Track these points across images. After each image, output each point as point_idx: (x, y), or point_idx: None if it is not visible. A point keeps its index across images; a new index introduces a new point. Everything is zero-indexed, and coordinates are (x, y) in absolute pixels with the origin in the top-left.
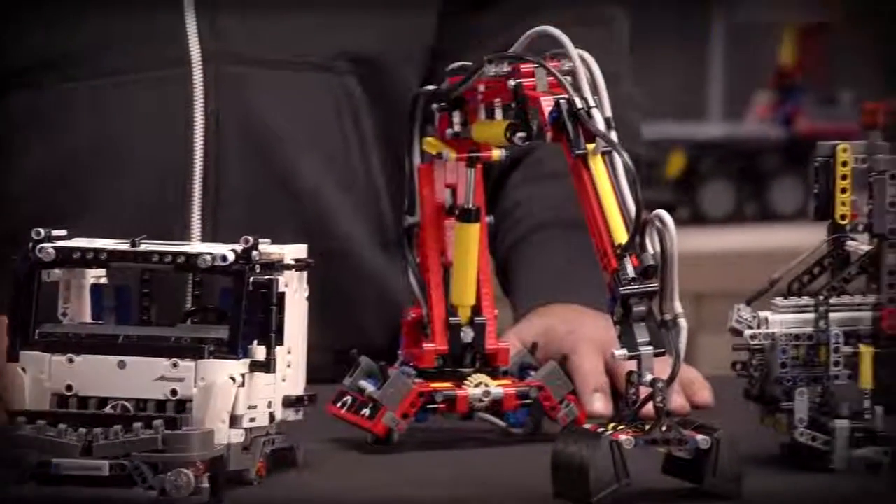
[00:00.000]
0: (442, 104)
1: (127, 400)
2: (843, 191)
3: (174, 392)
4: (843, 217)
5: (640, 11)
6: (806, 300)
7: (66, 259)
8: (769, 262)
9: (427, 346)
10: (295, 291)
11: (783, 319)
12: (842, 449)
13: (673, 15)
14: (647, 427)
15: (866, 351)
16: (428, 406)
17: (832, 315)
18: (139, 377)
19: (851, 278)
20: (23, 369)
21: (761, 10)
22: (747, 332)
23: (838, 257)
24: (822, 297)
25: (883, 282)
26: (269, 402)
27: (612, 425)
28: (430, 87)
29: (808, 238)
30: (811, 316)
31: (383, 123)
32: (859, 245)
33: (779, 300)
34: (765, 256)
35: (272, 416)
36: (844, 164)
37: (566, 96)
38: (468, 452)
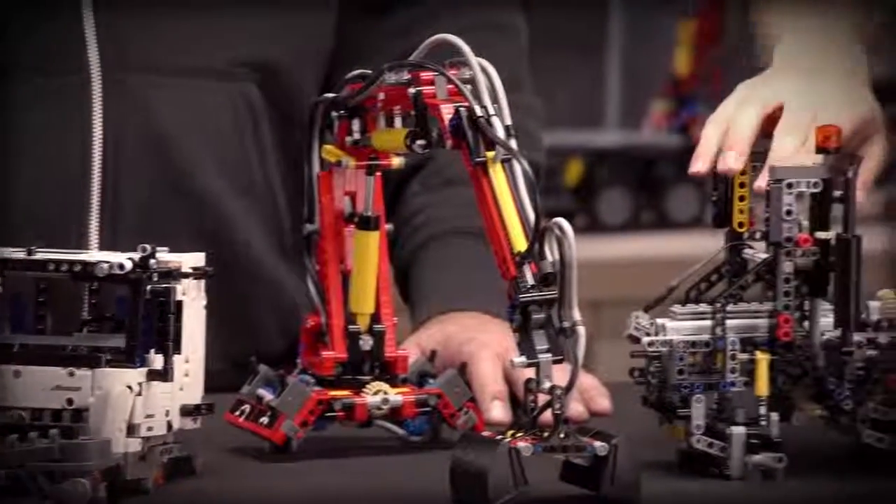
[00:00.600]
0: (341, 112)
1: (23, 409)
2: (741, 199)
3: (70, 401)
4: (740, 225)
5: (539, 19)
6: (703, 307)
7: None
8: (666, 269)
9: (326, 353)
10: (193, 300)
11: (680, 326)
12: (737, 455)
13: (571, 23)
14: (546, 434)
15: (762, 358)
16: (327, 414)
17: (729, 322)
18: (35, 386)
19: (748, 286)
20: None
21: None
22: (645, 340)
23: (735, 265)
24: (719, 305)
25: (779, 289)
26: (167, 411)
27: (510, 433)
28: (330, 95)
29: (706, 246)
30: (708, 323)
31: (283, 131)
32: (756, 253)
33: (676, 307)
34: (662, 264)
35: (170, 425)
36: (742, 172)
37: (466, 104)
38: (367, 460)
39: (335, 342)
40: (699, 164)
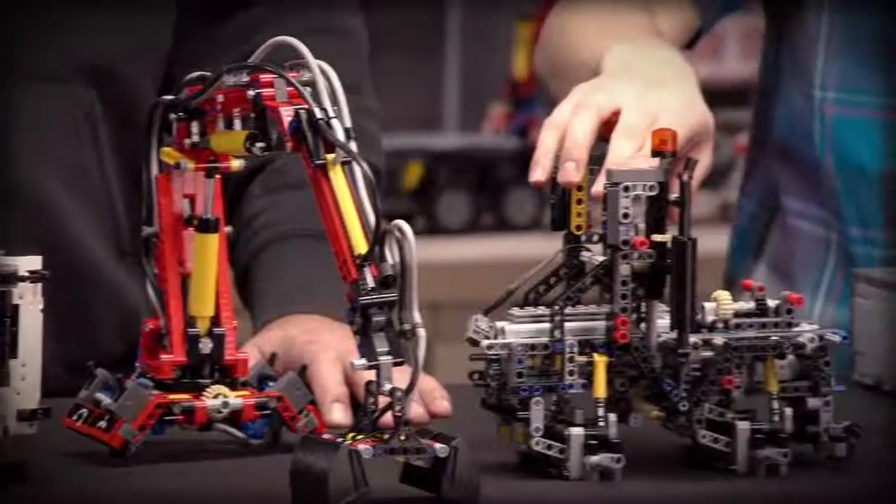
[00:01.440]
0: (180, 114)
1: None
2: (579, 202)
3: None
4: (578, 228)
5: (377, 22)
6: (542, 310)
7: None
8: (506, 272)
9: (165, 357)
10: (29, 303)
11: (519, 329)
12: (576, 456)
13: (409, 26)
14: (386, 436)
15: (600, 360)
16: (166, 418)
17: (567, 325)
18: None
19: (586, 288)
20: None
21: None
22: (484, 342)
23: (573, 268)
24: (557, 307)
25: (616, 292)
26: (3, 416)
27: (351, 435)
28: (168, 97)
29: (544, 248)
30: (547, 326)
31: (121, 133)
32: (593, 255)
33: (515, 310)
34: (501, 266)
35: (6, 430)
36: None
37: (306, 106)
38: (207, 464)
39: (174, 345)
40: (538, 173)
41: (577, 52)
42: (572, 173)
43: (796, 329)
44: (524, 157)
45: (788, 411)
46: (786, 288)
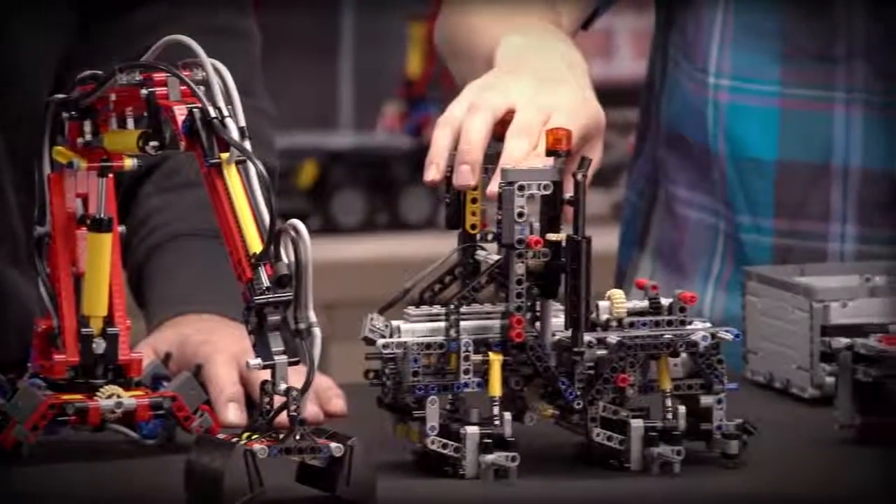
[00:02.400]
0: (72, 113)
1: None
2: (474, 201)
3: None
4: (472, 227)
5: (271, 21)
6: (437, 309)
7: None
8: (401, 271)
9: (58, 357)
10: None
11: (415, 328)
12: (471, 455)
13: (303, 25)
14: (282, 436)
15: (495, 358)
16: (59, 418)
17: (462, 324)
18: None
19: (481, 287)
20: None
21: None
22: (380, 341)
23: (468, 267)
24: (452, 306)
25: (511, 291)
26: None
27: (246, 435)
28: (61, 96)
29: (439, 247)
30: (442, 325)
31: (14, 133)
32: (489, 254)
33: (411, 309)
34: (396, 265)
35: None
36: None
37: (199, 105)
38: (101, 465)
39: (67, 345)
40: (432, 172)
41: (473, 36)
42: (467, 176)
43: (689, 327)
44: (419, 157)
45: (682, 409)
46: (673, 277)
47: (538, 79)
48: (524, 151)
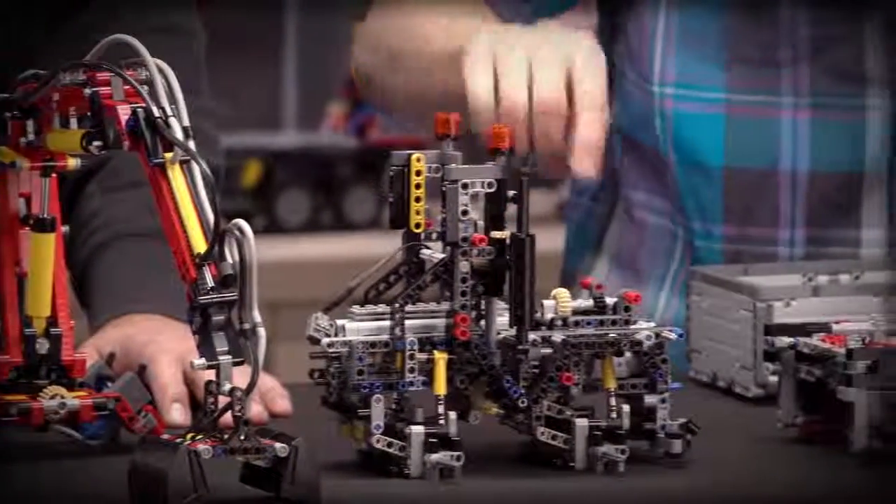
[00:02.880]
0: (14, 112)
1: None
2: (418, 199)
3: None
4: (417, 225)
5: (215, 21)
6: (382, 308)
7: None
8: (345, 270)
9: (1, 358)
10: None
11: (360, 327)
12: (416, 454)
13: (247, 25)
14: (226, 436)
15: (440, 357)
16: (2, 419)
17: (407, 322)
18: None
19: (426, 286)
20: None
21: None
22: (324, 340)
23: (413, 265)
24: (397, 305)
25: (456, 289)
26: None
27: (190, 435)
28: (2, 95)
29: (383, 246)
30: (387, 323)
31: None
32: (433, 253)
33: (355, 308)
34: (341, 265)
35: None
36: (418, 173)
37: (143, 105)
38: (44, 465)
39: (10, 346)
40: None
41: (426, 39)
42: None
43: (634, 326)
44: (363, 156)
45: (626, 408)
46: (629, 280)
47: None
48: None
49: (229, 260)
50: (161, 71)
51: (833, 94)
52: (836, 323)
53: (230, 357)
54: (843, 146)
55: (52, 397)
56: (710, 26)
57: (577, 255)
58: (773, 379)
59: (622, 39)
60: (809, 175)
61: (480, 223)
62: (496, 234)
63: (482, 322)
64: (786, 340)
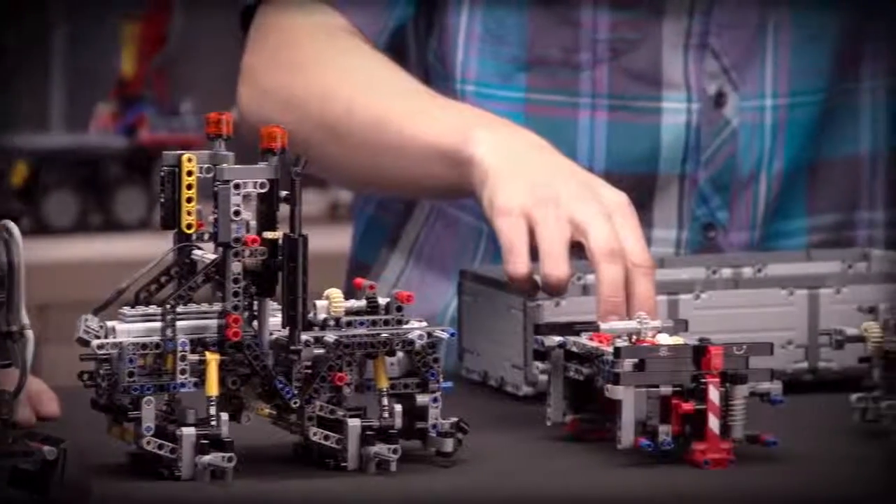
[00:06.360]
0: None
1: None
2: (189, 200)
3: None
4: (189, 226)
5: None
6: (153, 309)
7: None
8: (115, 271)
9: None
10: None
11: (130, 329)
12: (187, 456)
13: (13, 25)
14: None
15: (212, 358)
16: None
17: (179, 323)
18: None
19: (198, 287)
20: None
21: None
22: (94, 342)
23: (185, 266)
24: (168, 306)
25: (228, 290)
26: None
27: None
28: None
29: (154, 247)
30: (158, 325)
31: None
32: (205, 254)
33: (126, 309)
34: (111, 266)
35: None
36: (190, 173)
37: None
38: None
39: None
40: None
41: (377, 120)
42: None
43: (406, 326)
44: (132, 157)
45: (398, 408)
46: (432, 277)
47: (582, 185)
48: (622, 275)
49: None
50: None
51: (629, 97)
52: (605, 322)
53: None
54: (638, 147)
55: None
56: (511, 27)
57: (369, 248)
58: (544, 377)
59: (434, 37)
60: (604, 174)
61: (253, 224)
62: (268, 235)
63: (255, 323)
64: (555, 339)
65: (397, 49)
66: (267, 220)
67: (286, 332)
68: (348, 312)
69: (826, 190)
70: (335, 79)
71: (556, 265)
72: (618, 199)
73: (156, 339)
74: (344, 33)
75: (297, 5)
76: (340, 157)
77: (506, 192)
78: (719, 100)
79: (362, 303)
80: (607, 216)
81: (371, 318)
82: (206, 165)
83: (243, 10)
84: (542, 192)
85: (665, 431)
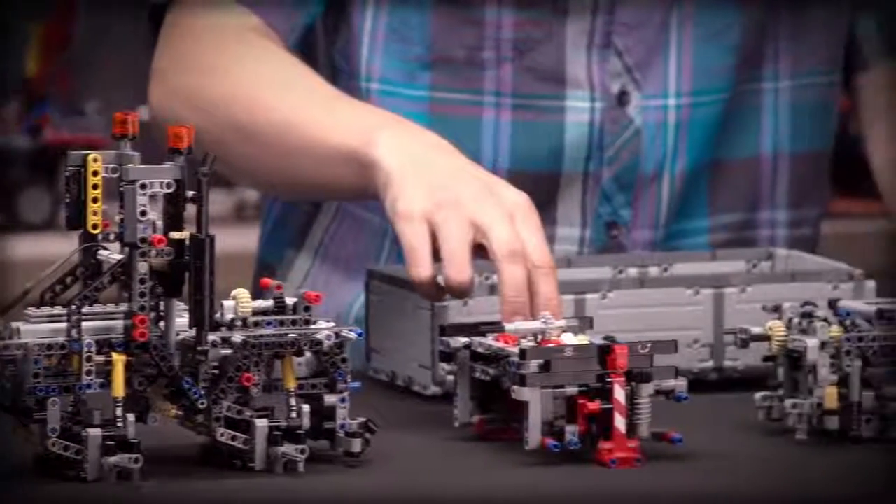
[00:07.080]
0: None
1: None
2: (95, 200)
3: None
4: (94, 226)
5: None
6: (58, 310)
7: None
8: (20, 271)
9: None
10: None
11: (35, 329)
12: (93, 457)
13: None
14: None
15: (118, 359)
16: None
17: (85, 324)
18: None
19: (104, 287)
20: None
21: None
22: None
23: (91, 266)
24: (74, 307)
25: (135, 290)
26: None
27: None
28: None
29: (60, 248)
30: (64, 325)
31: None
32: (111, 254)
33: (31, 310)
34: (16, 266)
35: None
36: (95, 173)
37: None
38: None
39: None
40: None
41: (287, 123)
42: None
43: (314, 326)
44: (37, 156)
45: (306, 408)
46: (338, 277)
47: (480, 183)
48: (524, 275)
49: None
50: None
51: (533, 95)
52: (510, 322)
53: None
54: (542, 146)
55: None
56: (415, 26)
57: (275, 248)
58: (451, 378)
59: (341, 35)
60: (508, 173)
61: (159, 224)
62: (175, 235)
63: (161, 323)
64: (461, 340)
65: (308, 47)
66: (173, 220)
67: (193, 332)
68: (255, 313)
69: (728, 189)
70: (242, 81)
71: (458, 270)
72: (519, 200)
73: (61, 339)
74: (254, 34)
75: (207, 5)
76: (248, 158)
77: (407, 196)
78: (622, 99)
79: (269, 303)
80: (509, 217)
81: (278, 318)
82: (111, 165)
83: (151, 9)
84: (443, 195)
85: (572, 431)
